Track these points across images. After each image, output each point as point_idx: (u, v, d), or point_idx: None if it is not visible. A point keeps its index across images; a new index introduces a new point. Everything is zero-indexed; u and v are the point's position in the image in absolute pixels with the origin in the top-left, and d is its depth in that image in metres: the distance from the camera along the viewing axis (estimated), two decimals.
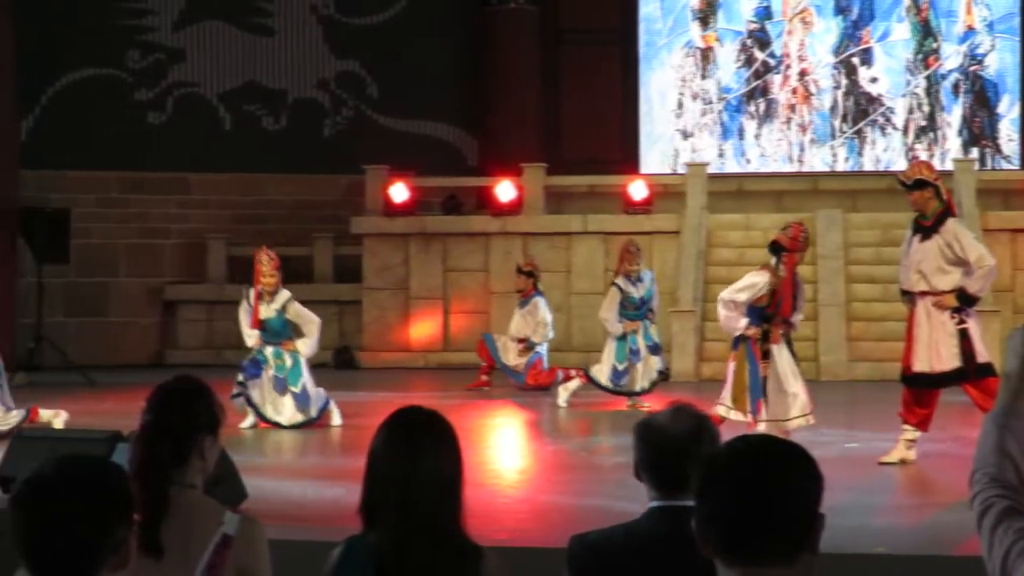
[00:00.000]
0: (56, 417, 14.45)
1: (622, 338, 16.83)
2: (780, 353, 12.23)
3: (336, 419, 15.17)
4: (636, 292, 16.93)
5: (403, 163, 23.97)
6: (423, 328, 23.28)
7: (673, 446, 4.14)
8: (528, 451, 14.55)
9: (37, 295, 21.52)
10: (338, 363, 22.39)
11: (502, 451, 14.27)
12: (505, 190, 23.38)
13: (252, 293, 15.23)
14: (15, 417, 14.14)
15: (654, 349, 16.99)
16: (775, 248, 12.33)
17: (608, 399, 16.85)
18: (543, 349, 19.01)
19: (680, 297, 21.62)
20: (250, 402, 14.92)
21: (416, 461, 3.98)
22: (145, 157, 24.49)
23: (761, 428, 11.85)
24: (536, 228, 23.08)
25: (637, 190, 23.24)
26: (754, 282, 12.24)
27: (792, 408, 12.15)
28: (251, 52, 25.56)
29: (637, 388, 16.80)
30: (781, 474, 2.84)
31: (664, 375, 17.67)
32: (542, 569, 7.42)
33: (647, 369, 16.92)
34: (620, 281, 17.00)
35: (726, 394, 12.31)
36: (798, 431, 11.86)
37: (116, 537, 3.01)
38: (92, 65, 24.47)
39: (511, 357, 18.90)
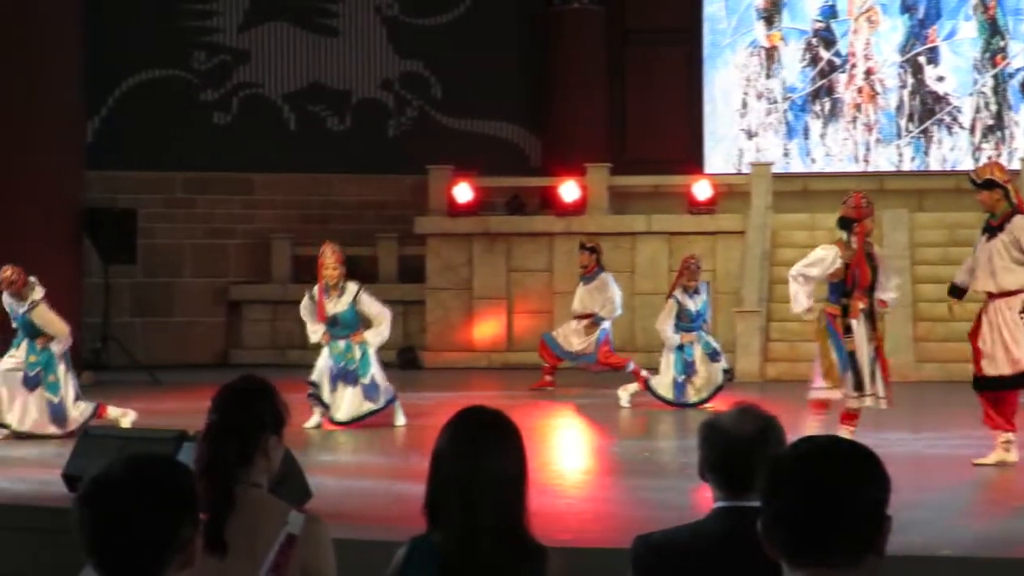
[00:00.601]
0: (124, 416, 14.54)
1: (679, 348, 16.85)
2: (858, 329, 12.02)
3: (400, 419, 15.15)
4: (693, 305, 17.01)
5: (467, 163, 23.99)
6: (486, 328, 23.29)
7: (738, 447, 4.12)
8: (591, 451, 14.52)
9: (103, 295, 21.66)
10: (402, 363, 22.42)
11: (565, 451, 14.25)
12: (569, 190, 23.35)
13: (316, 289, 15.24)
14: (85, 409, 14.27)
15: (714, 355, 16.99)
16: (843, 223, 12.18)
17: None
18: (608, 325, 18.89)
19: (745, 297, 21.54)
20: (320, 401, 14.93)
21: (480, 461, 3.97)
22: (210, 158, 24.61)
23: (867, 403, 11.85)
24: (600, 228, 23.03)
25: (701, 190, 23.16)
26: (822, 256, 12.14)
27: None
28: (315, 53, 25.64)
29: (694, 400, 16.80)
30: (848, 475, 2.82)
31: (729, 375, 17.64)
32: (606, 570, 7.40)
33: (710, 376, 16.92)
34: (678, 294, 17.04)
35: (818, 377, 12.06)
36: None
37: (182, 536, 3.02)
38: (158, 66, 24.63)
39: (575, 343, 18.78)
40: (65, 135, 20.96)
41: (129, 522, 2.96)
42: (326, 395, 14.94)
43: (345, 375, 14.95)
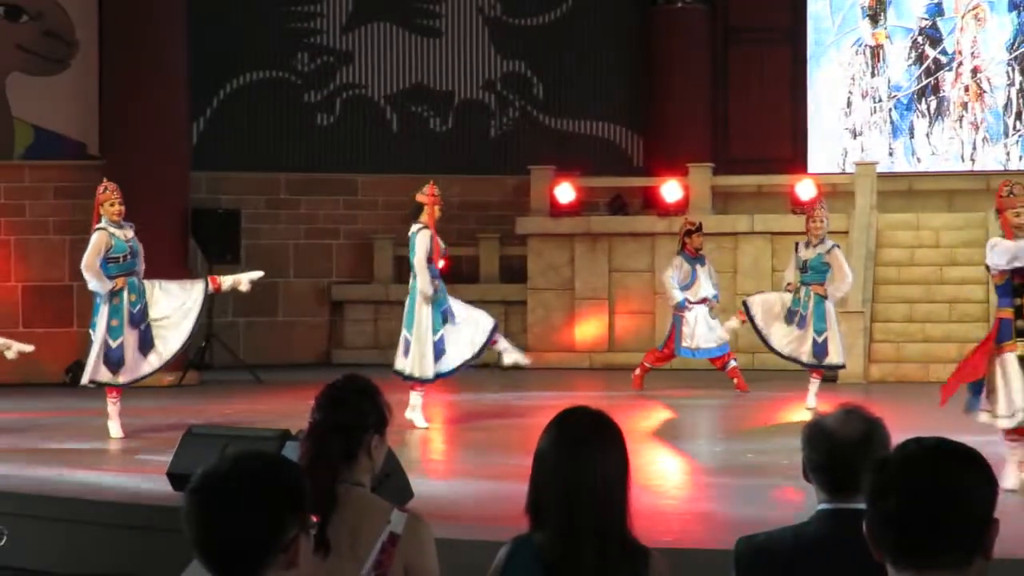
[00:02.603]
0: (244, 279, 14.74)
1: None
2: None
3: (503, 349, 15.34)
4: (806, 255, 16.89)
5: (568, 163, 23.98)
6: (588, 328, 23.27)
7: (842, 449, 4.09)
8: (692, 451, 14.46)
9: (208, 295, 21.83)
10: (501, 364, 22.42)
11: (666, 451, 14.20)
12: (671, 190, 23.29)
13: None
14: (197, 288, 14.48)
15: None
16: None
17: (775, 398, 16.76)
18: None
19: (848, 298, 21.36)
20: None
21: (583, 462, 3.96)
22: (313, 158, 24.79)
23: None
24: (703, 228, 22.94)
25: (805, 189, 23.00)
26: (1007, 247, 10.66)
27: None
28: (418, 54, 25.74)
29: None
30: (955, 478, 2.79)
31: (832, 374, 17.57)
32: (709, 571, 7.37)
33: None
34: (800, 243, 17.02)
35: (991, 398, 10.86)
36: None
37: (288, 534, 3.03)
38: (262, 68, 24.82)
39: (711, 335, 18.64)
40: (171, 137, 21.20)
41: (237, 518, 2.98)
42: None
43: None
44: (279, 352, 23.67)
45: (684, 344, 18.56)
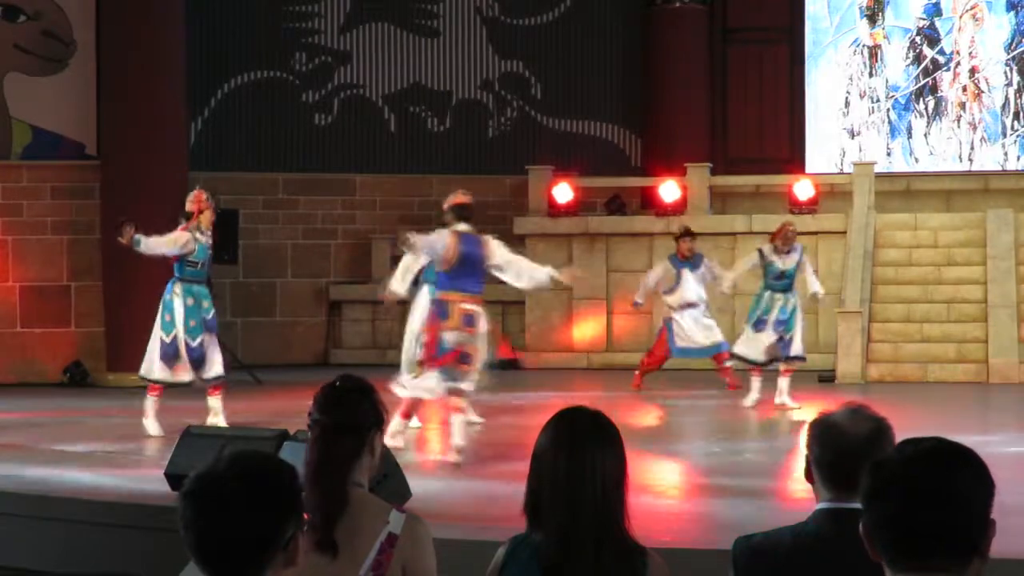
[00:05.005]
0: None
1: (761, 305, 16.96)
2: None
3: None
4: (782, 264, 16.96)
5: (566, 163, 23.99)
6: (586, 329, 23.28)
7: (852, 447, 4.07)
8: (690, 452, 14.46)
9: None
10: (501, 363, 22.43)
11: (664, 452, 14.19)
12: (669, 190, 23.30)
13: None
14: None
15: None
16: None
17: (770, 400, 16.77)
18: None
19: (846, 298, 21.38)
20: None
21: (581, 461, 3.96)
22: (311, 158, 24.80)
23: None
24: (700, 228, 22.87)
25: (803, 190, 23.03)
26: None
27: None
28: (416, 54, 25.74)
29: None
30: (952, 478, 2.79)
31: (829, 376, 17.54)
32: (706, 571, 7.37)
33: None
34: (765, 248, 17.12)
35: None
36: None
37: (285, 534, 3.03)
38: (259, 68, 24.82)
39: (705, 335, 18.69)
40: (169, 137, 21.19)
41: (233, 519, 2.98)
42: None
43: None
44: (277, 352, 23.68)
45: (679, 344, 18.59)
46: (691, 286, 18.59)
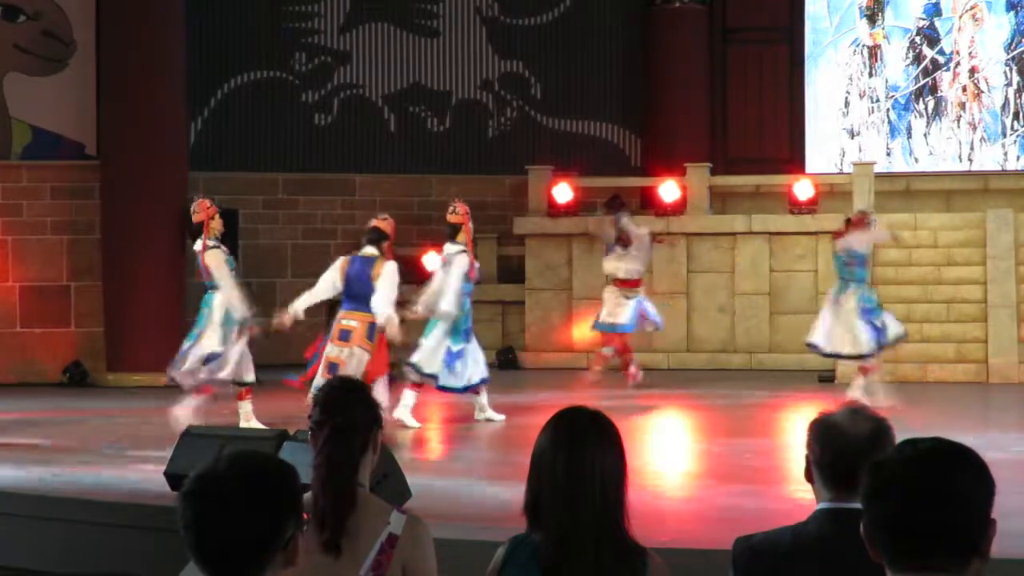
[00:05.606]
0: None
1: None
2: None
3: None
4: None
5: (566, 163, 23.99)
6: (586, 328, 23.25)
7: (852, 448, 4.07)
8: (690, 452, 14.47)
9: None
10: (501, 363, 22.47)
11: (664, 452, 14.20)
12: (669, 190, 23.29)
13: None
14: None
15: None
16: None
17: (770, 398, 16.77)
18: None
19: None
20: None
21: (580, 461, 3.97)
22: (311, 158, 24.79)
23: None
24: (700, 228, 22.95)
25: (803, 190, 23.02)
26: None
27: None
28: (416, 54, 25.73)
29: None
30: (952, 478, 2.79)
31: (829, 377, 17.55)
32: (707, 571, 7.38)
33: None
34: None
35: None
36: None
37: (285, 534, 3.03)
38: (259, 68, 24.82)
39: (623, 315, 19.02)
40: (169, 137, 21.19)
41: (233, 519, 2.98)
42: None
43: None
44: (277, 352, 23.63)
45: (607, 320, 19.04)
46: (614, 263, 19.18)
